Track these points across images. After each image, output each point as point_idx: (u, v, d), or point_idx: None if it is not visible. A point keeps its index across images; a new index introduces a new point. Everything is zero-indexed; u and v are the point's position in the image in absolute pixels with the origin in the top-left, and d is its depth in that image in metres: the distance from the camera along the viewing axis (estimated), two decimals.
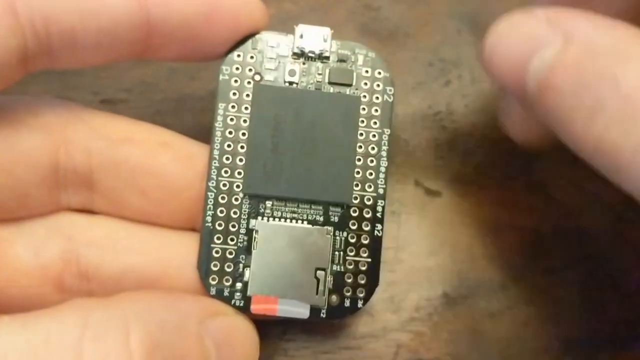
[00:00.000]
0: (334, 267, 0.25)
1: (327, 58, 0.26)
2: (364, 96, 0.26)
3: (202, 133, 0.31)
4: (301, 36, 0.26)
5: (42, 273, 0.25)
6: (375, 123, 0.26)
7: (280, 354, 0.28)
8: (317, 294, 0.25)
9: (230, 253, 0.25)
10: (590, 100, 0.20)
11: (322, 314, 0.25)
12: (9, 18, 0.22)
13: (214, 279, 0.25)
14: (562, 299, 0.30)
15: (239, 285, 0.25)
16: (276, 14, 0.33)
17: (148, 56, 0.25)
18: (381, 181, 0.26)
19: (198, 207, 0.25)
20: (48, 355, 0.20)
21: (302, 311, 0.25)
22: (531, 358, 0.29)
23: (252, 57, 0.26)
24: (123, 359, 0.20)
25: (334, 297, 0.25)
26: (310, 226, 0.25)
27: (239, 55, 0.26)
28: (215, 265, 0.25)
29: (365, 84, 0.26)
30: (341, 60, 0.26)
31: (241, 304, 0.24)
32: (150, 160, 0.25)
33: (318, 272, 0.25)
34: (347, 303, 0.25)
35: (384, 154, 0.26)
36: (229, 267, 0.25)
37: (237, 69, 0.26)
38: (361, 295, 0.25)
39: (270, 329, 0.28)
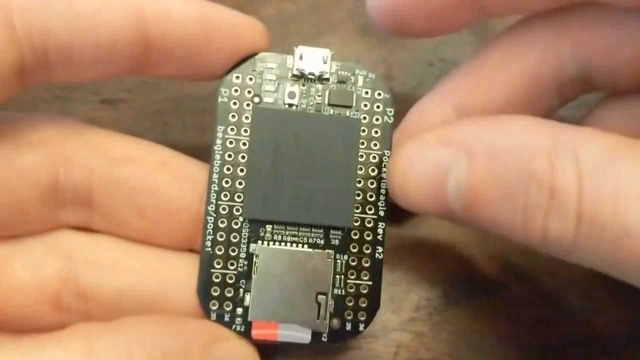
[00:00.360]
0: (335, 291, 0.25)
1: (327, 80, 0.26)
2: (364, 118, 0.26)
3: (202, 133, 0.31)
4: (301, 57, 0.25)
5: (39, 291, 0.25)
6: (375, 145, 0.26)
7: (280, 354, 0.29)
8: (318, 318, 0.25)
9: (231, 278, 0.25)
10: (520, 203, 0.20)
11: (323, 338, 0.25)
12: (7, 32, 0.22)
13: (214, 304, 0.25)
14: (562, 299, 0.30)
15: (239, 310, 0.25)
16: (276, 14, 0.33)
17: (146, 73, 0.25)
18: (382, 203, 0.25)
19: (197, 227, 0.25)
20: None
21: (303, 336, 0.25)
22: (530, 358, 0.29)
23: (251, 79, 0.25)
24: None
25: (335, 321, 0.25)
26: (310, 250, 0.25)
27: (237, 77, 0.25)
28: (215, 290, 0.25)
29: (365, 105, 0.26)
30: (341, 81, 0.26)
31: (242, 329, 0.25)
32: (149, 180, 0.25)
33: (319, 296, 0.25)
34: (349, 327, 0.25)
35: (384, 175, 0.25)
36: (229, 292, 0.25)
37: (236, 91, 0.25)
38: (362, 318, 0.25)
39: None
